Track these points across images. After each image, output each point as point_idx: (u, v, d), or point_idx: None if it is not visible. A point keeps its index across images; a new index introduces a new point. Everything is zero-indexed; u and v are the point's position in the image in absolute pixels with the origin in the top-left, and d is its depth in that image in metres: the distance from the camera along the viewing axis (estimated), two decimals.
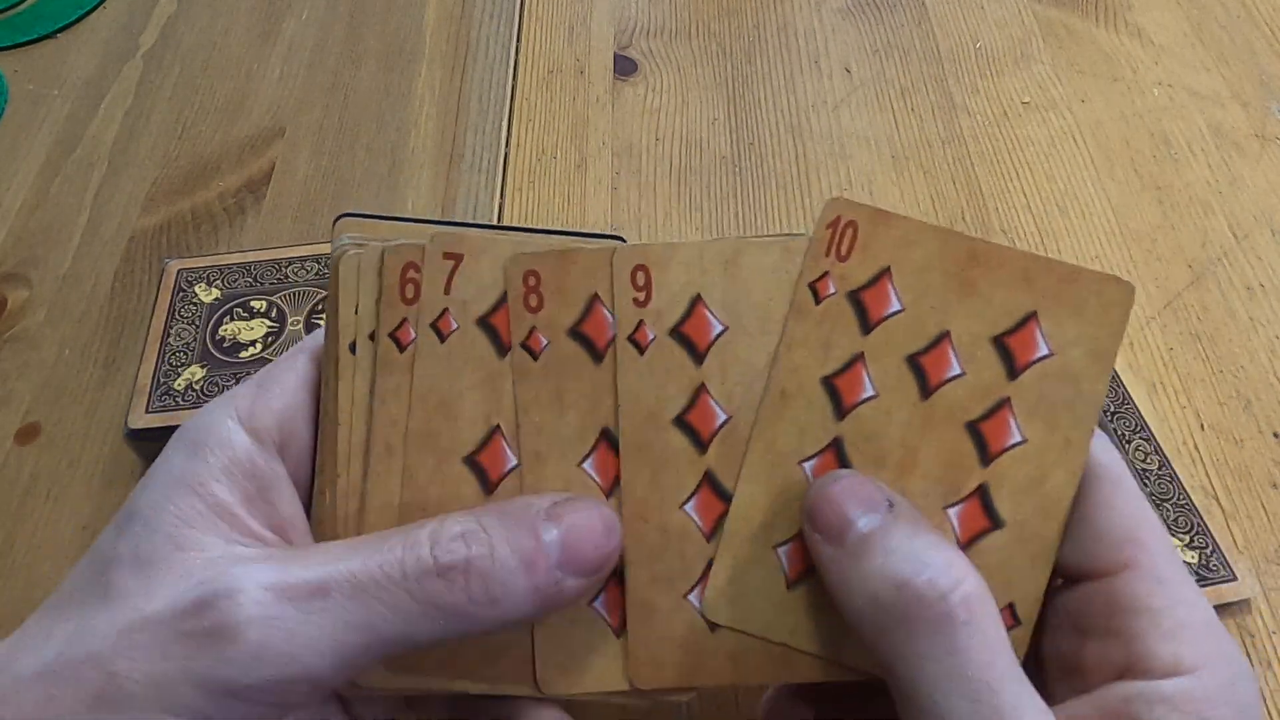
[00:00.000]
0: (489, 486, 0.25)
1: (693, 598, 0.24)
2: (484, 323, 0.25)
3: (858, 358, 0.24)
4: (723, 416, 0.24)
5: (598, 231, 0.28)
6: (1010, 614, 0.24)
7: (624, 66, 0.54)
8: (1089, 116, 0.50)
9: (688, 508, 0.24)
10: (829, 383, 0.24)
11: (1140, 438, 0.38)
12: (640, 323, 0.24)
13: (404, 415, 0.24)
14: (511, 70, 0.55)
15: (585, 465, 0.25)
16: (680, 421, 0.24)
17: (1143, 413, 0.39)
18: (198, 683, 0.20)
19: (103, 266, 0.47)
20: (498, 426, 0.25)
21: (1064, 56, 0.53)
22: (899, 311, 0.24)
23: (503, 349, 0.25)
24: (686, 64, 0.54)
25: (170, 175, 0.51)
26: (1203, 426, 0.39)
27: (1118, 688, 0.21)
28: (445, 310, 0.25)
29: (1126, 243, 0.45)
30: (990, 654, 0.20)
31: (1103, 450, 0.24)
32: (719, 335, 0.24)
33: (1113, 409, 0.39)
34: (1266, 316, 0.42)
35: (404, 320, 0.24)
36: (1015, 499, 0.24)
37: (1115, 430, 0.38)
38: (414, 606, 0.21)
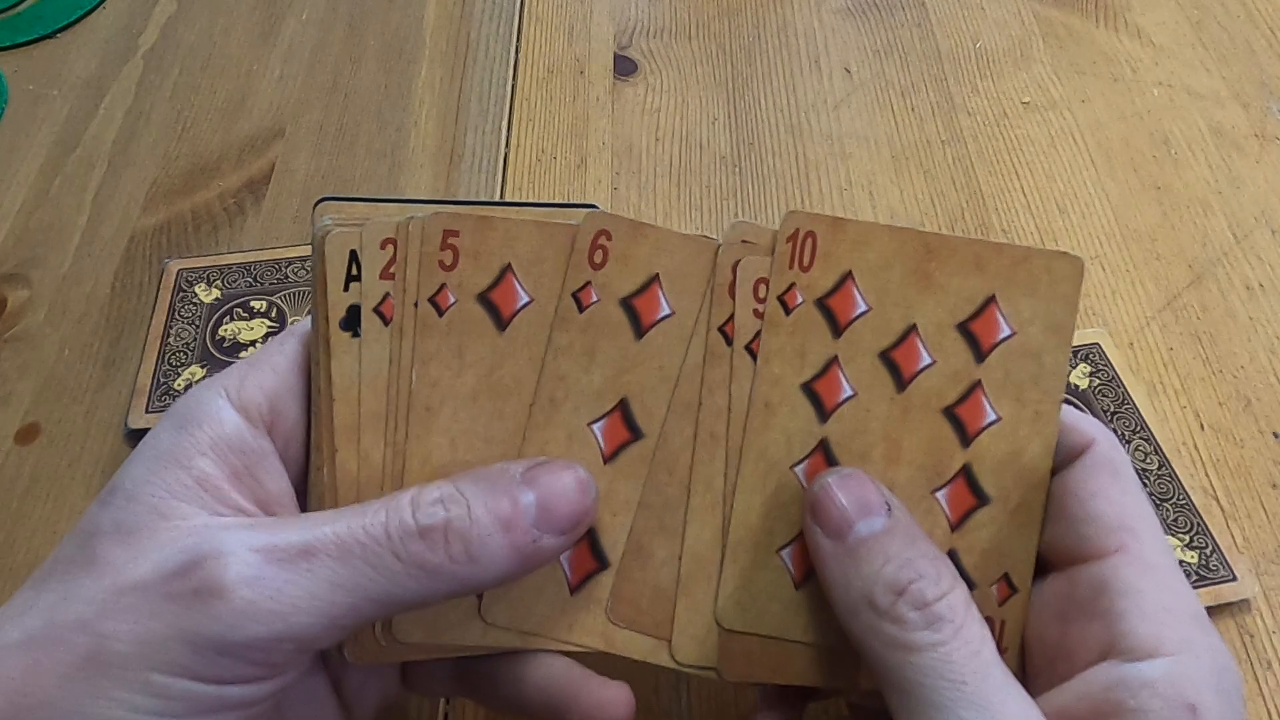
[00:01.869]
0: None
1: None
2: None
3: (832, 361, 0.25)
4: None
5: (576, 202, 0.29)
6: (1006, 584, 0.25)
7: (624, 66, 0.54)
8: (1089, 116, 0.50)
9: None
10: (809, 388, 0.25)
11: (1140, 438, 0.38)
12: (442, 286, 0.25)
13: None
14: (511, 70, 0.55)
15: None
16: None
17: (1143, 413, 0.39)
18: (188, 640, 0.20)
19: (103, 266, 0.47)
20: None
21: (1064, 56, 0.53)
22: (866, 312, 0.25)
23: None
24: (686, 64, 0.54)
25: (170, 175, 0.51)
26: (1203, 426, 0.39)
27: (1100, 674, 0.22)
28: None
29: (1126, 242, 0.45)
30: (974, 648, 0.21)
31: (1106, 442, 0.25)
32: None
33: (1113, 409, 0.39)
34: (1266, 316, 0.42)
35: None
36: (997, 474, 0.25)
37: (1116, 430, 0.38)
38: (398, 566, 0.22)
